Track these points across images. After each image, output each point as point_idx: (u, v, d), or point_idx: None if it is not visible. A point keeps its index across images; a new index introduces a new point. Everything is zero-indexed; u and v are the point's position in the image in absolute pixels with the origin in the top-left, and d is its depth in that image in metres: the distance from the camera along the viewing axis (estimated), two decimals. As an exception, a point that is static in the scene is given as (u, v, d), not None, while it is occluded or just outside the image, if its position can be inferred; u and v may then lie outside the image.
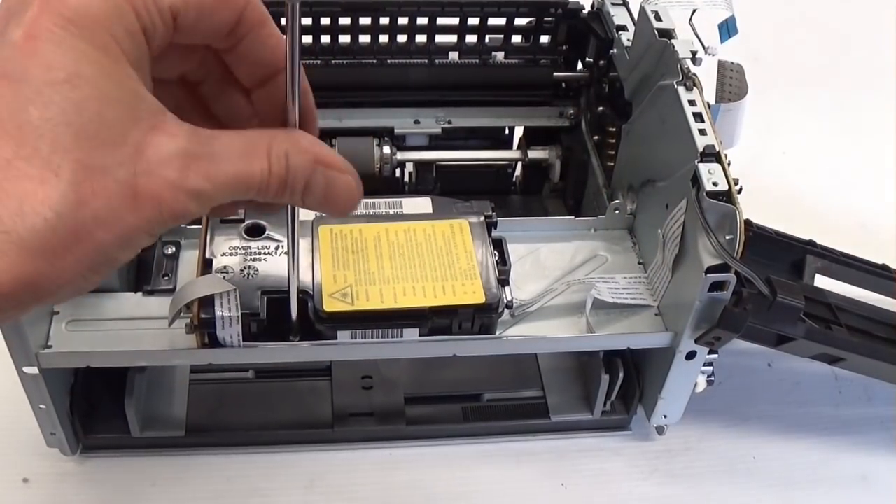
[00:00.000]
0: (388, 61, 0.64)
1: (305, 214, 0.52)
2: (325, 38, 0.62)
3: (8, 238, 0.27)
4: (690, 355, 0.52)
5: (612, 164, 0.62)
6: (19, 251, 0.27)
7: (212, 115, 0.38)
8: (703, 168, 0.47)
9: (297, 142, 0.33)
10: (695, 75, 0.51)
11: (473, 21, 0.63)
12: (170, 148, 0.30)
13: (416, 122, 0.65)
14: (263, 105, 0.37)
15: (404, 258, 0.50)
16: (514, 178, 0.70)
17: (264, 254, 0.50)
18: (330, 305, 0.48)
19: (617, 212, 0.58)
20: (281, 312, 0.49)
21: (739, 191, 0.47)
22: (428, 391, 0.60)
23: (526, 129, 0.69)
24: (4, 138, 0.27)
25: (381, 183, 0.62)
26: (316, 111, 0.36)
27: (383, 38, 0.63)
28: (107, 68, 0.29)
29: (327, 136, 0.63)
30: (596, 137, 0.65)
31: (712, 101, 0.54)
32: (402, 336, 0.50)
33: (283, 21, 0.33)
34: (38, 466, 0.56)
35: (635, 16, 0.57)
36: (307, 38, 0.62)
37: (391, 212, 0.54)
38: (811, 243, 0.61)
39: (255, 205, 0.35)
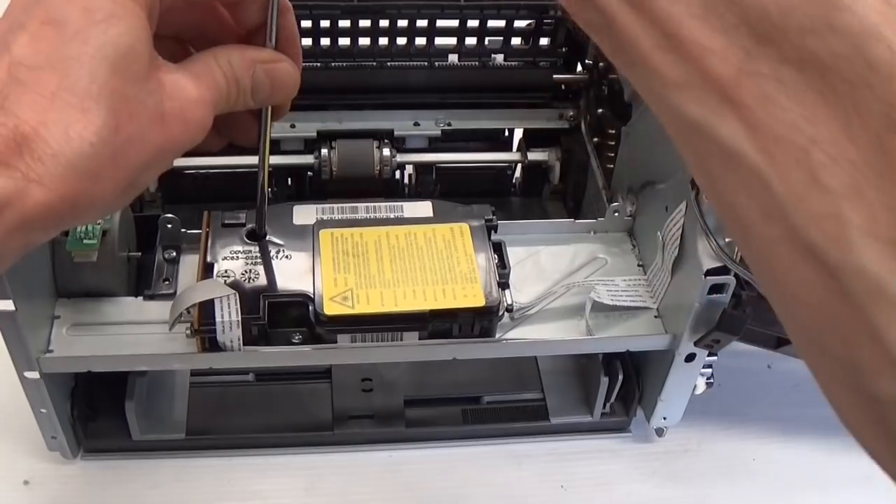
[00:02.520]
0: (388, 64, 0.64)
1: (305, 219, 0.53)
2: (325, 41, 0.62)
3: (56, 161, 0.30)
4: (690, 357, 0.52)
5: (612, 166, 0.62)
6: (65, 172, 0.30)
7: None
8: (703, 171, 0.47)
9: (232, 50, 0.37)
10: (694, 78, 0.51)
11: (473, 23, 0.63)
12: (177, 76, 0.34)
13: (416, 124, 0.65)
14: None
15: (405, 262, 0.51)
16: (513, 181, 0.70)
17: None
18: (331, 309, 0.48)
19: (616, 214, 0.58)
20: (282, 316, 0.49)
21: (739, 194, 0.47)
22: (428, 393, 0.60)
23: (525, 132, 0.69)
24: (49, 73, 0.30)
25: (380, 185, 0.62)
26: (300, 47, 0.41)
27: (383, 41, 0.63)
28: (135, 12, 0.32)
29: (327, 138, 0.63)
30: (596, 139, 0.65)
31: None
32: (402, 339, 0.50)
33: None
34: (40, 469, 0.56)
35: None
36: (307, 41, 0.62)
37: (392, 215, 0.54)
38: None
39: (223, 129, 0.40)
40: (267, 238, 0.51)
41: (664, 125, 0.24)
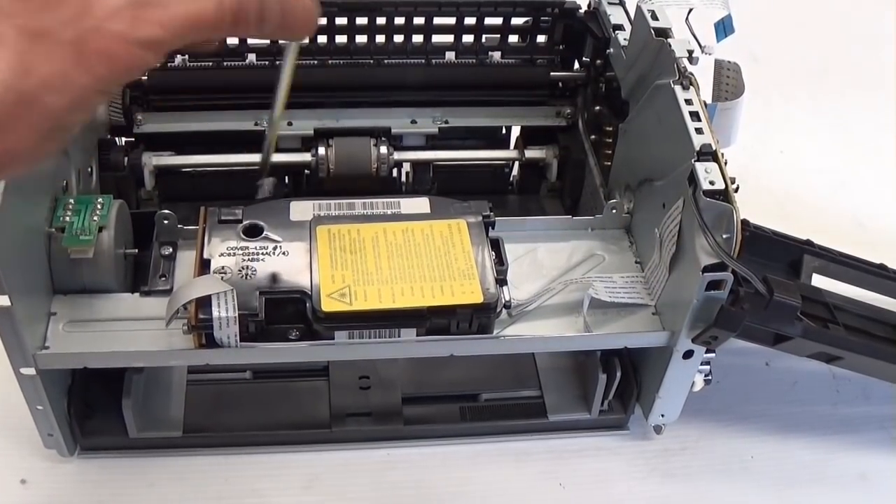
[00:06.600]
0: (385, 61, 0.64)
1: (302, 215, 0.52)
2: (322, 38, 0.62)
3: None
4: (688, 354, 0.52)
5: (609, 163, 0.62)
6: None
7: None
8: (700, 167, 0.47)
9: None
10: (691, 74, 0.51)
11: (470, 21, 0.63)
12: (117, 1, 0.30)
13: (413, 121, 0.65)
14: None
15: (402, 258, 0.50)
16: (511, 178, 0.70)
17: (262, 254, 0.50)
18: (328, 305, 0.48)
19: (614, 211, 0.58)
20: (279, 313, 0.49)
21: (736, 190, 0.48)
22: (425, 391, 0.60)
23: (523, 129, 0.69)
24: None
25: (377, 183, 0.62)
26: None
27: (380, 38, 0.63)
28: None
29: (324, 136, 0.63)
30: (593, 137, 0.65)
31: (709, 101, 0.54)
32: (399, 336, 0.49)
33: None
34: (36, 467, 0.56)
35: (632, 15, 0.57)
36: (304, 39, 0.62)
37: (389, 212, 0.54)
38: (808, 243, 0.61)
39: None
40: (264, 234, 0.51)
41: None
